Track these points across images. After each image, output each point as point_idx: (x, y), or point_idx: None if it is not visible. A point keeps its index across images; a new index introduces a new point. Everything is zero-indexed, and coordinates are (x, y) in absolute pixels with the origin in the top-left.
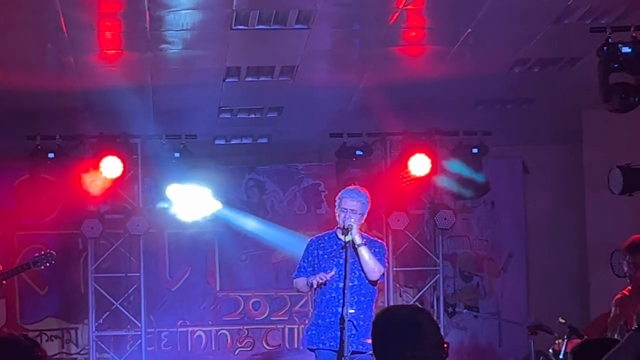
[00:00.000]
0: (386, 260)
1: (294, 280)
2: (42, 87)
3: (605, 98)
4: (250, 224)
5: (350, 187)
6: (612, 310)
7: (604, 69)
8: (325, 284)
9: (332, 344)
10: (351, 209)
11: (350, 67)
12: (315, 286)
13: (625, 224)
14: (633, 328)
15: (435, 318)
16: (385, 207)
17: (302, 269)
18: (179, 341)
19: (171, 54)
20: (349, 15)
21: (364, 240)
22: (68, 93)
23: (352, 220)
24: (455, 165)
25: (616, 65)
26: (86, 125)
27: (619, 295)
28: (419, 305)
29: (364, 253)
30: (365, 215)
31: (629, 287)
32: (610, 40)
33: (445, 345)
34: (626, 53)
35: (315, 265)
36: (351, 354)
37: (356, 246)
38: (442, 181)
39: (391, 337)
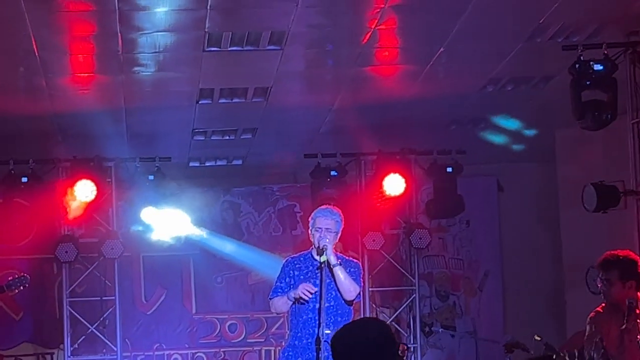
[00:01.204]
0: (362, 280)
1: (271, 301)
2: (14, 111)
3: (578, 115)
4: (225, 246)
5: (323, 206)
6: (587, 328)
7: (577, 86)
8: (307, 301)
9: None
10: (326, 227)
11: (324, 88)
12: (302, 296)
13: (600, 241)
14: None
15: (407, 336)
16: (361, 227)
17: (279, 290)
18: None
19: (144, 76)
20: (321, 35)
21: (339, 260)
22: (40, 116)
23: (327, 240)
24: (504, 121)
25: (588, 83)
26: (59, 148)
27: (592, 314)
28: (371, 319)
29: (340, 273)
30: (340, 234)
31: (603, 304)
32: (582, 58)
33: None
34: (598, 70)
35: (292, 286)
36: None
37: (331, 266)
38: (492, 137)
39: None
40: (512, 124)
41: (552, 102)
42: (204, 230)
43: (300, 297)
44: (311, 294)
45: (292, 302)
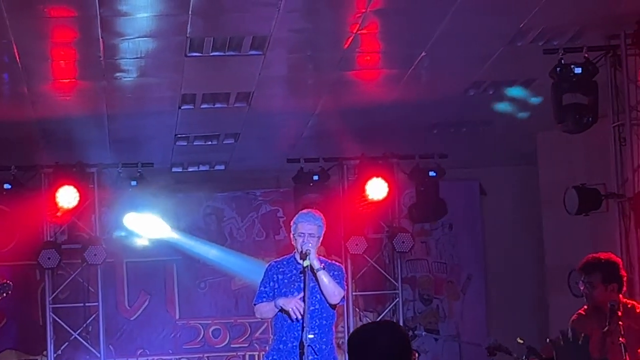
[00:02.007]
0: (345, 283)
1: (256, 307)
2: None
3: (559, 119)
4: (209, 251)
5: (304, 211)
6: (570, 330)
7: (558, 90)
8: (293, 318)
9: None
10: (308, 232)
11: (306, 93)
12: (292, 313)
13: (583, 243)
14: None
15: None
16: (344, 232)
17: (264, 294)
18: None
19: (126, 82)
20: (303, 40)
21: (323, 264)
22: (23, 123)
23: (310, 244)
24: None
25: (569, 86)
26: (42, 155)
27: (575, 316)
28: (385, 321)
29: (323, 277)
30: (322, 238)
31: (585, 307)
32: (563, 61)
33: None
34: (579, 74)
35: (276, 290)
36: None
37: (315, 270)
38: (499, 107)
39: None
40: (518, 92)
41: (534, 105)
42: (187, 235)
43: (291, 314)
44: (301, 315)
45: (278, 310)
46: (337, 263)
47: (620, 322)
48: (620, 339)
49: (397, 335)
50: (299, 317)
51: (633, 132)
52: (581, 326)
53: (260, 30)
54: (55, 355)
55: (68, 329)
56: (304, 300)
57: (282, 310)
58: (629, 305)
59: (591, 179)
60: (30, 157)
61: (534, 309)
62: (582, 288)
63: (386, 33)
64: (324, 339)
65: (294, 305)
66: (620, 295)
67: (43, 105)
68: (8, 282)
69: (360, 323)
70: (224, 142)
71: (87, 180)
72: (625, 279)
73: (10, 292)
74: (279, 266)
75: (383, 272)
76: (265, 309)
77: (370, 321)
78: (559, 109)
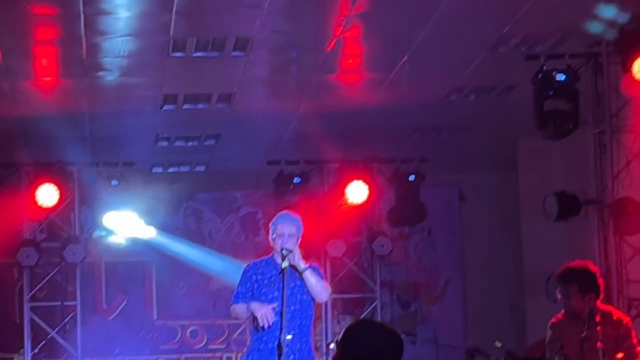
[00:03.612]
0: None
1: (232, 307)
2: None
3: (540, 125)
4: (188, 252)
5: (283, 212)
6: (549, 333)
7: (539, 96)
8: (262, 327)
9: None
10: (288, 233)
11: (288, 95)
12: (261, 322)
13: (561, 250)
14: None
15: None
16: (323, 234)
17: (240, 295)
18: None
19: (108, 81)
20: (286, 42)
21: (308, 263)
22: (3, 120)
23: (289, 244)
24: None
25: (551, 93)
26: (22, 152)
27: (554, 319)
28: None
29: (310, 277)
30: (300, 239)
31: (563, 311)
32: (544, 67)
33: None
34: (560, 80)
35: (255, 291)
36: None
37: (301, 271)
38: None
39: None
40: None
41: (515, 112)
42: (167, 236)
43: (259, 321)
44: (269, 326)
45: (250, 315)
46: (312, 263)
47: (597, 328)
48: (598, 344)
49: (394, 334)
50: (266, 326)
51: (613, 139)
52: (559, 330)
53: (244, 31)
54: (32, 354)
55: (45, 327)
56: (282, 301)
57: (252, 315)
58: (607, 311)
59: (571, 185)
60: (10, 154)
61: (511, 314)
62: (559, 297)
63: (369, 36)
64: (303, 339)
65: (264, 312)
66: (598, 302)
67: (24, 103)
68: None
69: (338, 326)
70: (205, 143)
71: (67, 179)
72: (602, 287)
73: None
74: (257, 267)
75: (362, 275)
76: (240, 310)
77: (347, 324)
78: (540, 116)
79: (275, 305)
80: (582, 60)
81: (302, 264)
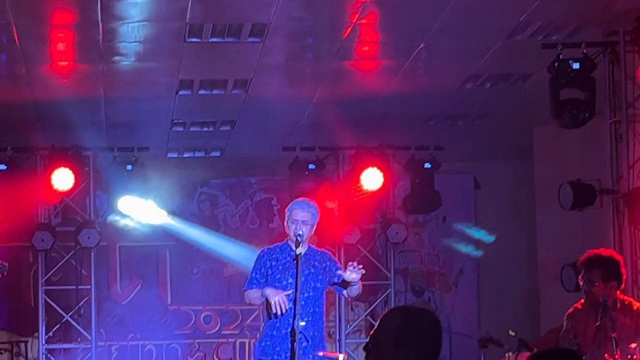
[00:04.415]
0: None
1: (245, 292)
2: None
3: (556, 114)
4: (202, 237)
5: (299, 199)
6: (564, 324)
7: (555, 85)
8: (275, 314)
9: (287, 354)
10: (302, 220)
11: (304, 81)
12: (275, 308)
13: (576, 239)
14: None
15: None
16: (338, 221)
17: (254, 281)
18: (130, 355)
19: (124, 66)
20: (302, 29)
21: (322, 250)
22: (20, 104)
23: (302, 231)
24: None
25: (567, 82)
26: (38, 137)
27: (570, 310)
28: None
29: (354, 289)
30: (315, 227)
31: (582, 301)
32: (561, 56)
33: None
34: (577, 69)
35: (269, 277)
36: None
37: (348, 285)
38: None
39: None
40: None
41: (531, 100)
42: (181, 221)
43: (272, 308)
44: (282, 313)
45: (264, 301)
46: (325, 250)
47: (612, 317)
48: (613, 334)
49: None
50: (279, 313)
51: (629, 128)
52: (576, 320)
53: (260, 17)
54: (46, 337)
55: (60, 311)
56: (295, 288)
57: (266, 301)
58: (626, 302)
59: (586, 174)
60: (26, 138)
61: (525, 303)
62: (581, 284)
63: (385, 24)
64: (316, 326)
65: (277, 299)
66: (618, 292)
67: (40, 88)
68: (4, 263)
69: (352, 312)
70: (220, 128)
71: (82, 164)
72: (625, 277)
73: (5, 273)
74: (271, 253)
75: (376, 262)
76: (254, 296)
77: (361, 312)
78: (556, 104)
79: (289, 292)
80: (598, 49)
81: (354, 276)
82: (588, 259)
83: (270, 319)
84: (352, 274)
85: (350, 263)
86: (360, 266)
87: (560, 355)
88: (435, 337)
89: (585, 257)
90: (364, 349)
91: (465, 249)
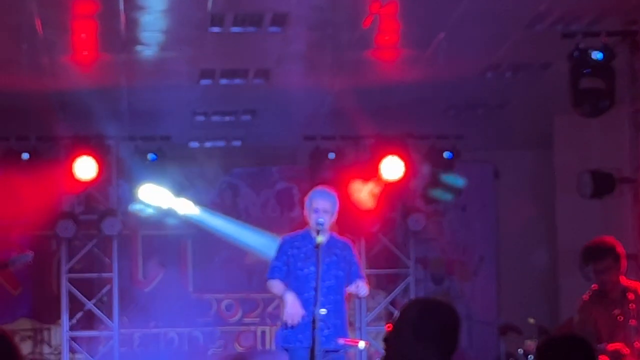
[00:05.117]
0: (357, 256)
1: (269, 282)
2: (17, 88)
3: (575, 103)
4: (223, 226)
5: (319, 187)
6: (577, 315)
7: (575, 74)
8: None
9: (309, 342)
10: (323, 208)
11: (324, 70)
12: (287, 319)
13: (595, 227)
14: None
15: None
16: (358, 210)
17: (277, 269)
18: (152, 342)
19: (146, 56)
20: (323, 18)
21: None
22: (43, 94)
23: (323, 219)
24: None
25: (587, 71)
26: (61, 126)
27: (580, 303)
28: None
29: (361, 292)
30: (336, 215)
31: (593, 289)
32: (581, 45)
33: None
34: (596, 58)
35: (291, 265)
36: (325, 352)
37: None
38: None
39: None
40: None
41: (551, 89)
42: (203, 210)
43: (285, 316)
44: (293, 326)
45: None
46: (345, 240)
47: (631, 306)
48: (631, 321)
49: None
50: (289, 324)
51: None
52: (588, 311)
53: (281, 6)
54: (69, 324)
55: (83, 298)
56: (316, 276)
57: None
58: (632, 287)
59: (606, 163)
60: (49, 128)
61: (545, 292)
62: (592, 272)
63: (405, 13)
64: (337, 314)
65: (293, 313)
66: (632, 280)
67: (63, 77)
68: (29, 252)
69: (372, 301)
70: (242, 118)
71: (105, 153)
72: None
73: (30, 261)
74: (293, 241)
75: (396, 251)
76: (275, 290)
77: (381, 299)
78: (575, 94)
79: (303, 312)
80: (618, 39)
81: (363, 290)
82: (598, 247)
83: (285, 328)
84: (358, 291)
85: (354, 286)
86: (366, 288)
87: (570, 341)
88: (453, 329)
89: (594, 245)
90: (384, 340)
91: (436, 193)
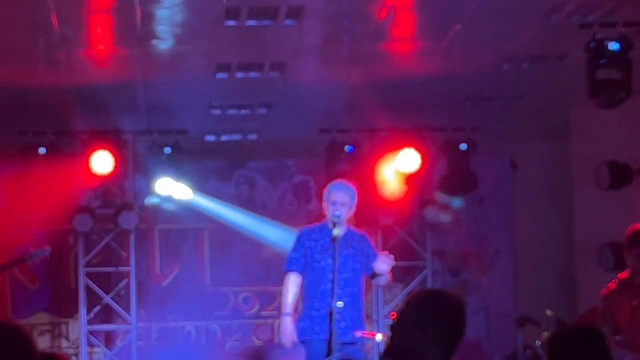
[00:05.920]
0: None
1: (287, 275)
2: (33, 82)
3: (592, 94)
4: (240, 219)
5: (338, 180)
6: (600, 305)
7: (592, 65)
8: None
9: (326, 335)
10: (340, 201)
11: (340, 63)
12: (280, 338)
13: (613, 219)
14: None
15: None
16: (375, 202)
17: (294, 261)
18: (169, 335)
19: (162, 49)
20: (338, 11)
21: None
22: (59, 88)
23: (340, 212)
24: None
25: (603, 62)
26: (77, 120)
27: (605, 291)
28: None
29: (382, 279)
30: (354, 208)
31: (616, 280)
32: (597, 36)
33: None
34: (613, 49)
35: (308, 257)
36: (342, 344)
37: (376, 275)
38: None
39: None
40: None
41: (568, 81)
42: (219, 203)
43: (279, 337)
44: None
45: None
46: (362, 232)
47: None
48: None
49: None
50: (281, 343)
51: None
52: (610, 301)
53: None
54: (87, 318)
55: (100, 292)
56: (333, 269)
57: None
58: None
59: (623, 154)
60: (66, 122)
61: (562, 284)
62: (630, 260)
63: (421, 5)
64: (355, 307)
65: (284, 337)
66: None
67: (79, 71)
68: (47, 246)
69: (389, 294)
70: (257, 111)
71: (121, 147)
72: None
73: (48, 256)
74: (310, 233)
75: (413, 243)
76: (283, 297)
77: (398, 291)
78: (592, 85)
79: (294, 340)
80: (635, 29)
81: (383, 280)
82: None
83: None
84: (383, 265)
85: (380, 253)
86: (392, 256)
87: (582, 334)
88: (459, 320)
89: (632, 231)
90: (390, 327)
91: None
